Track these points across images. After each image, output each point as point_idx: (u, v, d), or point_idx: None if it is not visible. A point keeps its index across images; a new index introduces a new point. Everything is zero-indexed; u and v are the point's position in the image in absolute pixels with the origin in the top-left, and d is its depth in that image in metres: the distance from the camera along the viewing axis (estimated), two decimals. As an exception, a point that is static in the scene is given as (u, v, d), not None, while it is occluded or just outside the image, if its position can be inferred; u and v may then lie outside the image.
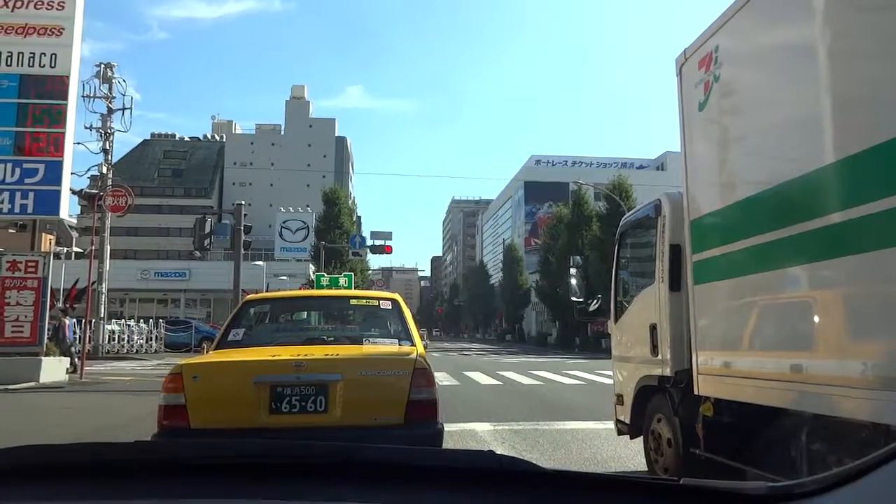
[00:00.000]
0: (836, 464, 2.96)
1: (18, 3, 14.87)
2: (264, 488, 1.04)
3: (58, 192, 14.67)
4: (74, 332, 19.10)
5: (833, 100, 2.95)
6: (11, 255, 14.67)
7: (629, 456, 6.06)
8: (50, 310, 15.29)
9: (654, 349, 4.73)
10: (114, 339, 27.33)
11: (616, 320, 5.75)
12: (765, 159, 3.55)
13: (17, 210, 14.60)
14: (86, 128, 24.94)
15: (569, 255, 16.13)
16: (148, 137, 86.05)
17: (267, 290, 28.77)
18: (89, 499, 1.03)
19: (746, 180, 3.69)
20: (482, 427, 8.03)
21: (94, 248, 19.09)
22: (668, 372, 4.52)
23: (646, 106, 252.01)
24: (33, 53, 14.75)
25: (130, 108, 25.55)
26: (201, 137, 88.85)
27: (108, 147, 25.18)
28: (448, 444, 5.32)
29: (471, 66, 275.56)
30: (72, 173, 16.53)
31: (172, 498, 1.03)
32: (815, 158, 2.98)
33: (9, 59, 14.67)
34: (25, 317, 14.11)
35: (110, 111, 25.27)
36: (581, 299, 6.76)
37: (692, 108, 4.23)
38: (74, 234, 30.14)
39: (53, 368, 14.26)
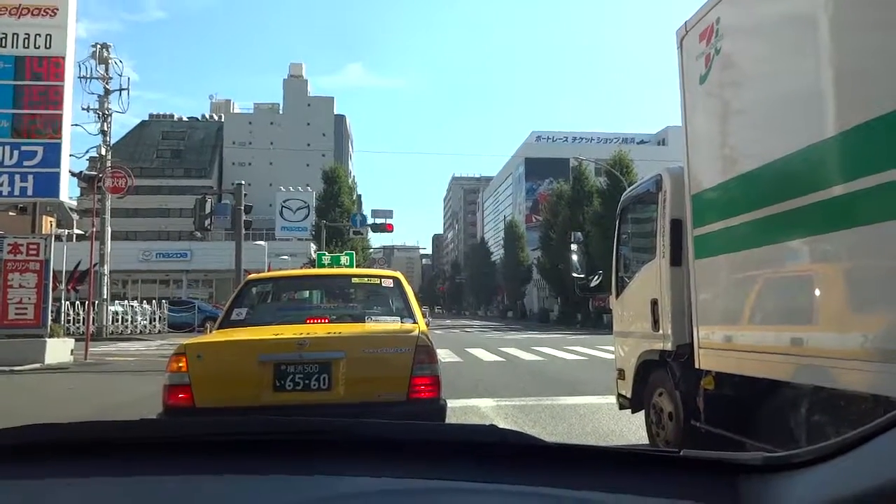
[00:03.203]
0: (834, 436, 2.99)
1: (11, -16, 14.70)
2: (267, 465, 1.06)
3: (57, 175, 14.62)
4: None
5: (835, 72, 2.93)
6: (13, 237, 14.69)
7: (631, 430, 6.12)
8: (53, 291, 15.34)
9: (656, 324, 4.75)
10: (117, 321, 27.46)
11: (617, 296, 5.76)
12: (766, 133, 3.53)
13: (16, 193, 14.56)
14: (83, 109, 24.87)
15: (570, 231, 16.09)
16: (146, 118, 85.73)
17: (268, 270, 28.81)
18: (96, 476, 1.05)
19: (747, 154, 3.68)
20: (484, 403, 8.09)
21: (94, 229, 19.07)
22: (669, 346, 4.55)
23: (646, 80, 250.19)
24: (28, 35, 14.60)
25: (128, 89, 25.47)
26: (199, 117, 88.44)
27: (106, 128, 25.11)
28: (451, 419, 5.36)
29: (471, 43, 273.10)
30: (70, 155, 16.47)
31: (177, 475, 1.05)
32: (816, 131, 2.96)
33: (3, 40, 14.52)
34: (28, 299, 14.16)
35: (107, 92, 25.15)
36: (582, 275, 6.76)
37: (693, 82, 4.20)
38: (75, 216, 30.11)
39: (58, 350, 14.35)
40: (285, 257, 36.62)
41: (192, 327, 27.73)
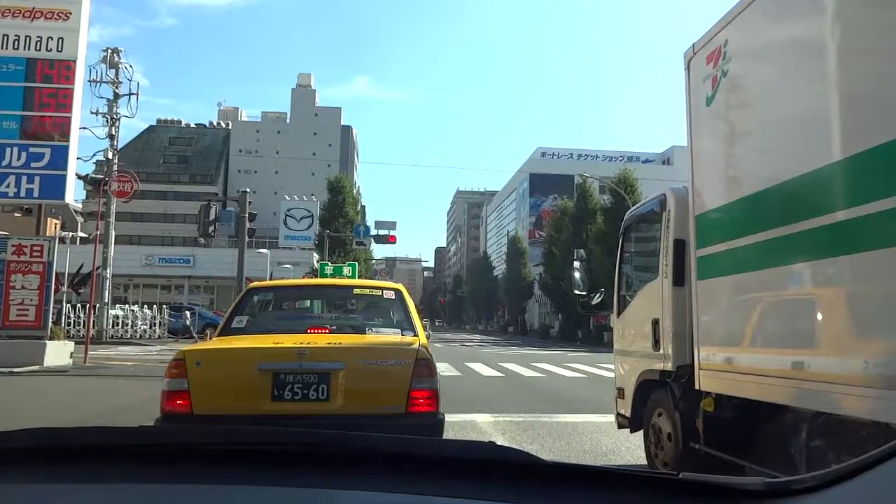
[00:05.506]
0: (835, 461, 2.97)
1: (26, -13, 14.86)
2: (263, 475, 1.05)
3: (63, 177, 14.70)
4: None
5: (841, 97, 2.94)
6: (17, 238, 14.75)
7: (629, 449, 6.08)
8: (55, 294, 15.36)
9: (656, 344, 4.73)
10: (117, 324, 27.45)
11: (619, 314, 5.75)
12: (771, 155, 3.53)
13: (22, 194, 14.64)
14: (92, 113, 25.06)
15: (573, 248, 16.11)
16: (154, 123, 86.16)
17: (270, 278, 28.81)
18: (91, 483, 1.04)
19: (753, 176, 3.68)
20: (483, 418, 8.05)
21: (98, 233, 19.12)
22: (669, 367, 4.53)
23: (653, 100, 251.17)
24: (40, 37, 14.74)
25: (137, 94, 25.64)
26: (207, 124, 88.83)
27: (113, 132, 25.23)
28: (448, 434, 5.34)
29: (479, 59, 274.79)
30: (77, 158, 16.59)
31: (172, 483, 1.04)
32: (822, 155, 2.96)
33: (16, 42, 14.67)
34: (30, 300, 14.18)
35: (117, 96, 25.30)
36: (584, 292, 6.75)
37: (699, 103, 4.21)
38: (80, 218, 30.29)
39: (58, 352, 14.34)
40: (288, 266, 36.73)
41: (191, 333, 27.70)
